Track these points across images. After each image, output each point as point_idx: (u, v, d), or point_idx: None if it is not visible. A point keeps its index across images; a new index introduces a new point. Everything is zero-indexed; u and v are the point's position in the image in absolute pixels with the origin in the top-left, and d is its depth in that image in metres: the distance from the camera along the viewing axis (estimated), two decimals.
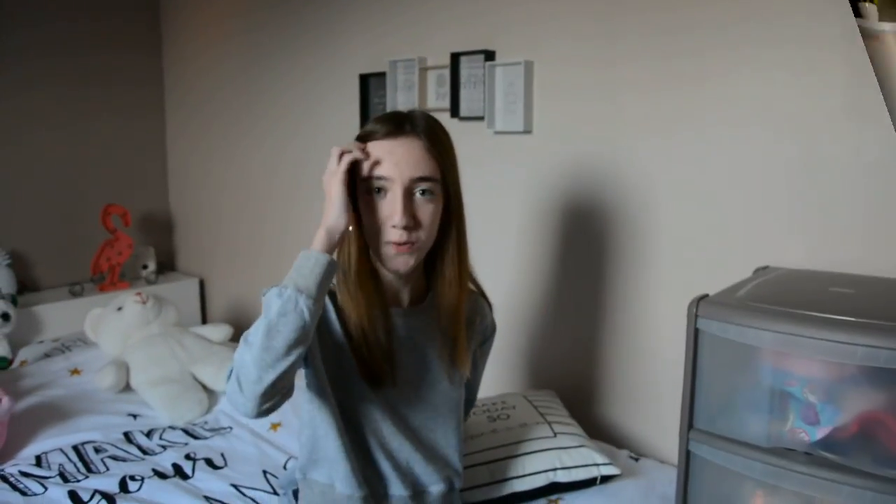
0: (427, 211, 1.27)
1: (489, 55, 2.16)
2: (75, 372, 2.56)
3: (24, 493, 1.79)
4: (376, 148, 1.26)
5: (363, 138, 1.28)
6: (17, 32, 3.07)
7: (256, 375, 1.12)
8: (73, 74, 3.24)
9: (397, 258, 1.27)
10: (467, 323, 1.43)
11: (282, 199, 3.03)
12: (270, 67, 2.97)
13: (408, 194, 1.24)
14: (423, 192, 1.26)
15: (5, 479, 1.85)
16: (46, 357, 2.70)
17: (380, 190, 1.25)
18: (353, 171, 1.27)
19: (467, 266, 1.39)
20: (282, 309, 1.13)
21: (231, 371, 1.21)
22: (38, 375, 2.53)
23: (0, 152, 3.08)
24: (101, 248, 3.18)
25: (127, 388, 2.42)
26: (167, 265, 3.69)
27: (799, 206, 1.67)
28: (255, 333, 1.14)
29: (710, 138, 1.78)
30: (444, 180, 1.29)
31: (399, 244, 1.25)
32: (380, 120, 1.29)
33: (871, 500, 1.17)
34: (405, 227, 1.23)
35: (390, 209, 1.24)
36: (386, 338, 1.33)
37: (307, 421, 1.37)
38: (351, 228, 1.29)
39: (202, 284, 3.54)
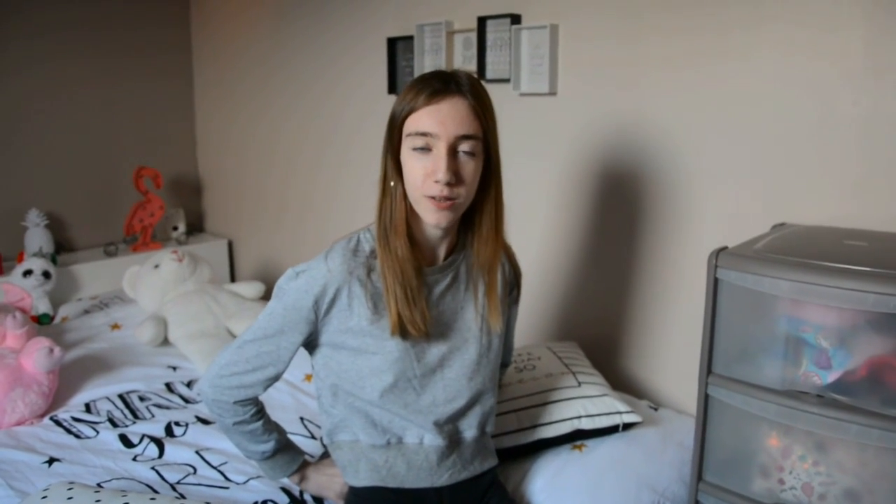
0: (469, 169, 1.30)
1: (515, 19, 2.20)
2: (115, 327, 2.67)
3: (77, 436, 1.91)
4: (423, 107, 1.28)
5: (407, 96, 1.31)
6: (54, 7, 3.15)
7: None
8: (105, 43, 3.32)
9: (437, 213, 1.30)
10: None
11: (307, 161, 3.10)
12: (298, 30, 3.01)
13: (451, 151, 1.28)
14: (466, 151, 1.29)
15: (59, 424, 1.97)
16: (86, 313, 2.82)
17: (424, 147, 1.29)
18: (400, 127, 1.32)
19: (503, 225, 1.42)
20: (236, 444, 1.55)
21: (215, 363, 1.45)
22: (80, 330, 2.64)
23: (37, 119, 3.18)
24: (133, 210, 3.27)
25: (165, 341, 2.53)
26: (196, 226, 3.79)
27: (817, 165, 1.71)
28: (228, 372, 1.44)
29: (732, 99, 1.82)
30: (485, 140, 1.32)
31: (440, 200, 1.29)
32: (425, 78, 1.31)
33: (877, 437, 1.25)
34: (447, 183, 1.27)
35: (434, 165, 1.27)
36: (419, 292, 1.37)
37: (332, 390, 1.46)
38: (393, 184, 1.35)
39: (230, 245, 3.63)
